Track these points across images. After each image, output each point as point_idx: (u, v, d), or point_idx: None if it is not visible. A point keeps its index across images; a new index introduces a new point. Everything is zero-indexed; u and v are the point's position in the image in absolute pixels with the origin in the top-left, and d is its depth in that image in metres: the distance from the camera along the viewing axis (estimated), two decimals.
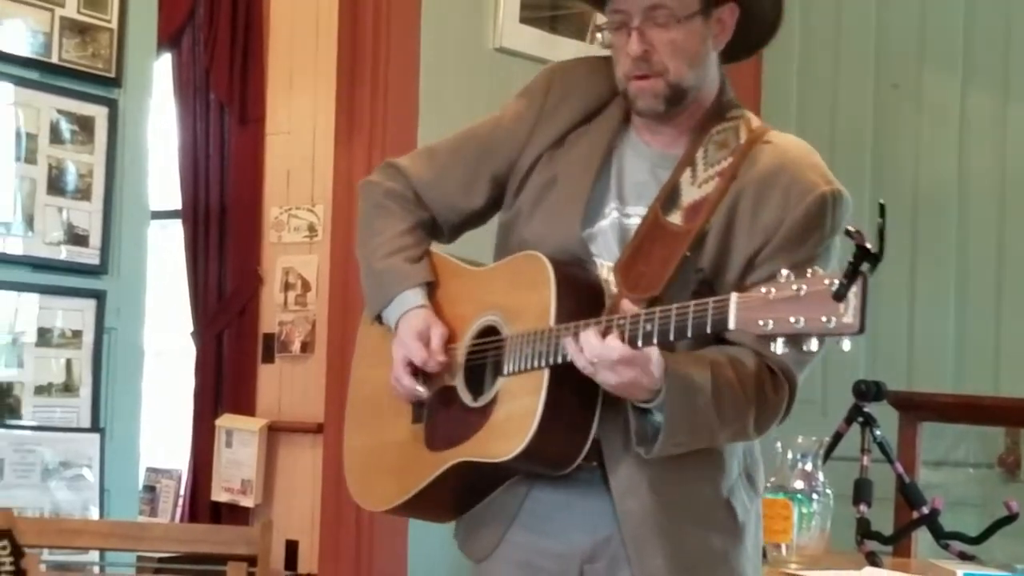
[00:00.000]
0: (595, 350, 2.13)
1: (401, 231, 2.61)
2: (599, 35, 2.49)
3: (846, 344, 1.93)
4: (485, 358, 2.47)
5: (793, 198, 2.35)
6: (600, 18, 2.51)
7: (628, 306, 2.16)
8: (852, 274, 1.89)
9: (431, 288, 2.59)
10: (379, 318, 2.62)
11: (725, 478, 2.46)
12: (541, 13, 4.84)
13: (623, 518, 2.40)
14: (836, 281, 1.90)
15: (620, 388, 2.19)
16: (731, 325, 2.02)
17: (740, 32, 2.44)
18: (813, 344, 1.96)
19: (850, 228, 1.97)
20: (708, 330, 2.06)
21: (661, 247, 2.38)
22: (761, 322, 1.98)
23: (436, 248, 2.68)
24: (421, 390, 2.52)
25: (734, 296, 2.02)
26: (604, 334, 2.14)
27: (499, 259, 2.58)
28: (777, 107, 5.04)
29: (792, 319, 1.94)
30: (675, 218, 2.40)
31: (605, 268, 2.44)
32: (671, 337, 2.09)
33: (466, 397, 2.49)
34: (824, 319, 1.92)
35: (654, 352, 2.12)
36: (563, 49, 4.73)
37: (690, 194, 2.41)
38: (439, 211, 2.65)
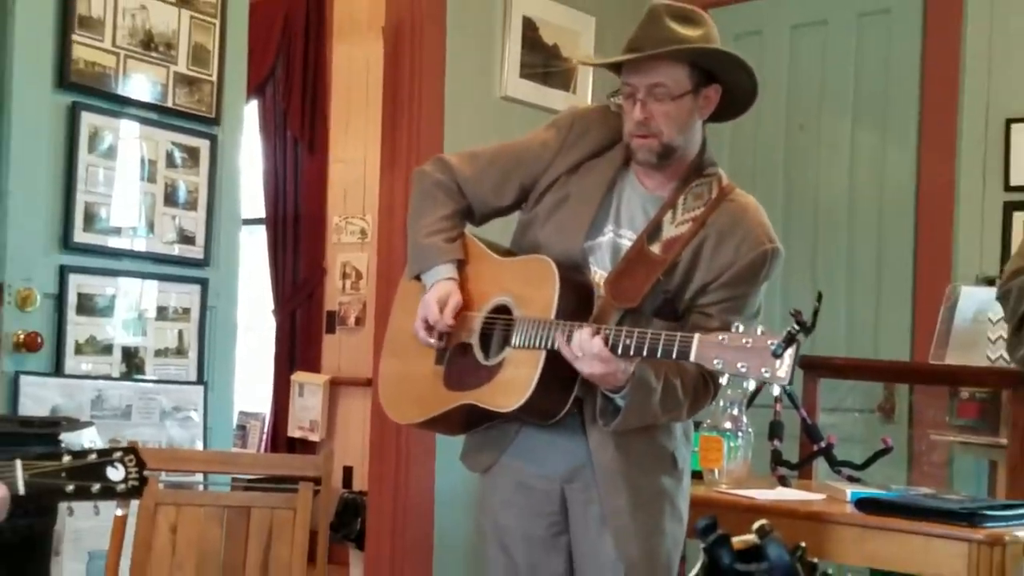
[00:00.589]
0: (584, 346, 2.20)
1: (443, 215, 2.61)
2: (613, 99, 2.51)
3: (775, 389, 2.02)
4: (497, 328, 2.50)
5: (744, 249, 2.42)
6: (595, 79, 2.49)
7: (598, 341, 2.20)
8: (789, 340, 1.97)
9: (461, 264, 2.59)
10: (418, 277, 2.62)
11: (671, 439, 2.54)
12: (535, 70, 4.82)
13: (597, 467, 2.46)
14: (776, 343, 1.98)
15: (593, 377, 2.27)
16: (692, 358, 2.11)
17: (725, 102, 2.48)
18: (750, 383, 2.06)
19: (792, 311, 2.02)
20: (673, 357, 2.14)
21: (642, 269, 2.43)
22: (715, 361, 2.07)
23: (469, 230, 2.69)
24: (433, 342, 2.54)
25: (697, 336, 2.11)
26: (593, 335, 2.20)
27: (515, 247, 2.63)
28: (713, 142, 5.01)
29: (739, 364, 2.03)
30: (656, 248, 2.45)
31: (598, 276, 2.48)
32: (643, 353, 2.17)
33: (479, 355, 2.52)
34: (763, 370, 2.00)
35: (629, 364, 2.22)
36: (552, 98, 4.72)
37: (669, 231, 2.46)
38: (474, 203, 2.65)
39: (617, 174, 2.53)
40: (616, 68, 2.47)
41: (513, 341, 2.43)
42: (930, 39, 4.58)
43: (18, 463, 1.74)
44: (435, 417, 2.59)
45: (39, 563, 2.72)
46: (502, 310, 2.49)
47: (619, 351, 2.18)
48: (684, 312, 2.42)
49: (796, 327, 1.96)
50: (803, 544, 1.32)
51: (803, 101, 4.94)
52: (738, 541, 1.29)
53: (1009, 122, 4.36)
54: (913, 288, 4.60)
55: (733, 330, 2.05)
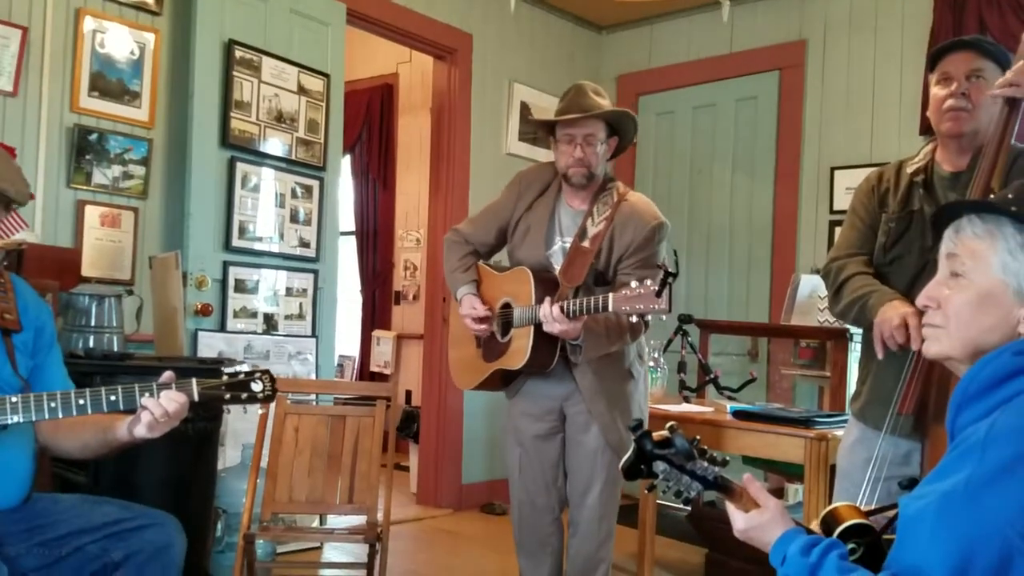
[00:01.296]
0: (547, 314, 2.25)
1: (459, 258, 2.67)
2: (553, 143, 2.52)
3: (663, 317, 2.03)
4: (506, 317, 2.52)
5: (639, 228, 2.42)
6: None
7: (555, 310, 2.26)
8: (663, 285, 2.02)
9: (477, 283, 2.63)
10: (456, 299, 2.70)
11: (626, 360, 2.52)
12: (527, 136, 4.81)
13: (581, 387, 2.47)
14: (656, 288, 2.03)
15: (560, 334, 2.28)
16: (610, 310, 2.14)
17: (618, 147, 2.54)
18: (648, 317, 2.04)
19: (660, 263, 2.16)
20: (600, 311, 2.18)
21: (580, 259, 2.44)
22: (623, 307, 2.11)
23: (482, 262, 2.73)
24: (483, 327, 2.56)
25: (611, 295, 2.14)
26: (551, 306, 2.25)
27: (510, 267, 2.59)
28: (643, 180, 5.02)
29: (638, 306, 2.07)
30: (586, 243, 2.45)
31: (557, 270, 2.47)
32: (584, 312, 2.21)
33: (499, 337, 2.55)
34: (652, 306, 2.05)
35: (579, 321, 2.25)
36: (538, 153, 4.70)
37: (592, 230, 2.46)
38: (477, 246, 2.68)
39: (555, 203, 2.53)
40: (551, 125, 2.49)
41: (514, 323, 2.45)
42: (783, 115, 4.58)
43: (193, 380, 1.74)
44: (482, 381, 2.60)
45: (211, 450, 2.73)
46: (507, 305, 2.51)
47: (569, 314, 2.22)
48: (612, 278, 2.43)
49: (665, 275, 1.99)
50: (698, 437, 1.32)
51: (700, 155, 4.93)
52: (656, 435, 1.30)
53: (833, 169, 4.37)
54: (771, 275, 4.58)
55: (632, 285, 2.07)
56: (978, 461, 1.00)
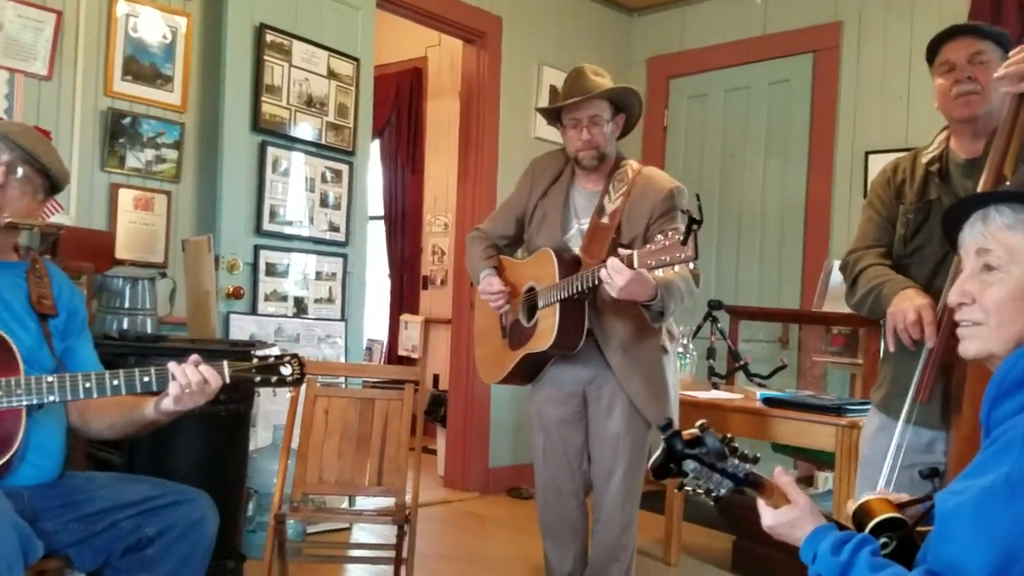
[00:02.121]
0: (615, 266, 2.09)
1: (480, 251, 2.68)
2: (561, 129, 2.51)
3: (691, 265, 1.97)
4: (530, 301, 2.49)
5: (658, 195, 2.41)
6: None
7: (613, 261, 2.10)
8: (688, 231, 1.93)
9: (498, 270, 2.63)
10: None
11: (659, 337, 2.47)
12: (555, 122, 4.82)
13: (614, 367, 2.43)
14: (680, 236, 1.96)
15: (627, 294, 2.13)
16: (636, 266, 2.06)
17: (626, 125, 2.53)
18: (675, 270, 2.00)
19: (684, 210, 2.07)
20: (628, 266, 2.06)
21: (600, 235, 2.43)
22: (649, 261, 2.03)
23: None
24: (502, 303, 2.55)
25: (635, 252, 2.07)
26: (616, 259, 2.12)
27: (529, 255, 2.58)
28: (673, 163, 4.97)
29: (663, 258, 2.00)
30: (604, 220, 2.44)
31: (578, 249, 2.46)
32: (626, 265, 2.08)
33: (524, 322, 2.52)
34: (679, 254, 1.97)
35: (650, 275, 2.11)
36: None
37: (609, 207, 2.45)
38: (497, 241, 2.69)
39: (569, 187, 2.52)
40: (557, 110, 2.48)
41: (539, 304, 2.42)
42: (816, 98, 4.51)
43: (225, 363, 1.75)
44: (510, 372, 2.55)
45: (243, 431, 2.75)
46: (531, 290, 2.49)
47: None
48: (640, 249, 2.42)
49: (690, 222, 1.92)
50: (729, 434, 1.30)
51: (732, 138, 4.87)
52: (686, 434, 1.28)
53: (867, 153, 4.30)
54: (803, 261, 4.52)
55: (657, 239, 2.02)
56: (1018, 457, 0.97)
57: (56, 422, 1.81)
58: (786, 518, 1.24)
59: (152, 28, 3.37)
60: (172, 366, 1.71)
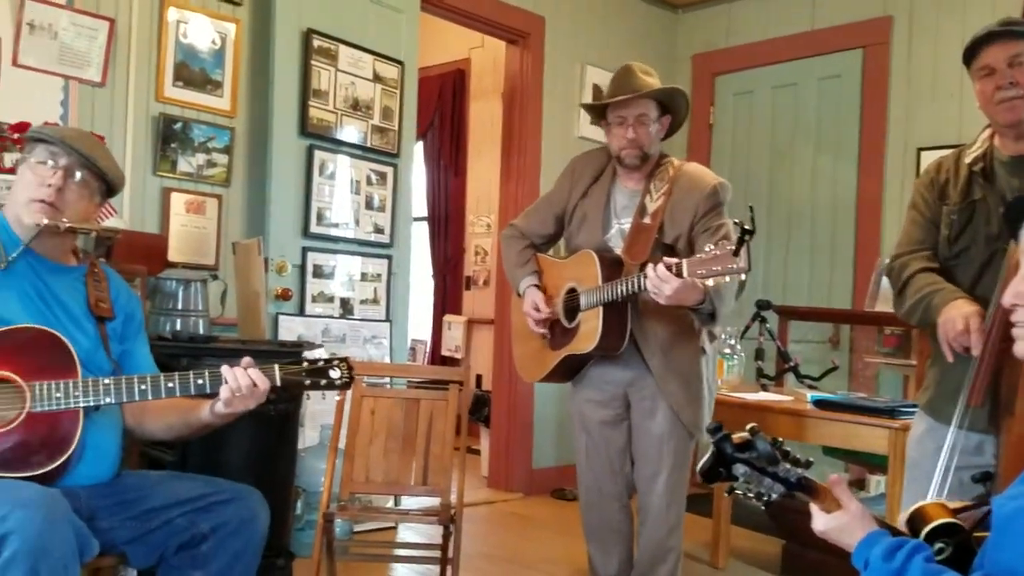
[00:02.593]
0: (657, 275, 2.08)
1: (517, 252, 2.67)
2: (605, 126, 2.49)
3: (743, 276, 1.94)
4: (571, 303, 2.48)
5: (700, 192, 2.38)
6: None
7: (660, 269, 2.09)
8: (740, 241, 1.91)
9: (538, 274, 2.62)
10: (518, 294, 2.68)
11: (700, 340, 2.46)
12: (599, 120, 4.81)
13: (653, 369, 2.43)
14: (732, 247, 1.93)
15: (675, 300, 2.12)
16: (685, 274, 2.03)
17: (671, 125, 2.51)
18: (727, 279, 1.97)
19: (737, 221, 1.97)
20: (676, 275, 2.04)
21: (642, 236, 2.40)
22: (699, 271, 2.01)
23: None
24: (543, 331, 2.57)
25: (684, 261, 2.05)
26: (664, 267, 2.10)
27: (568, 255, 2.57)
28: (720, 161, 4.92)
29: (715, 268, 1.97)
30: (646, 220, 2.41)
31: (619, 250, 2.44)
32: (674, 273, 2.05)
33: (565, 323, 2.51)
34: (731, 265, 1.95)
35: (699, 281, 2.06)
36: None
37: (651, 207, 2.42)
38: (533, 238, 2.68)
39: (610, 187, 2.50)
40: (603, 108, 2.46)
41: (582, 306, 2.41)
42: (866, 94, 4.45)
43: (276, 366, 1.77)
44: (551, 371, 2.56)
45: (292, 431, 2.79)
46: (571, 291, 2.47)
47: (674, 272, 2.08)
48: (683, 249, 2.36)
49: (742, 233, 1.89)
50: (781, 438, 1.28)
51: (780, 136, 4.81)
52: (736, 437, 1.26)
53: (919, 149, 4.23)
54: (854, 261, 4.45)
55: (706, 249, 1.99)
56: None
57: (112, 423, 1.85)
58: (838, 523, 1.23)
59: (202, 34, 3.44)
60: (224, 369, 1.74)
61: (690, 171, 2.44)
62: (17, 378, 1.66)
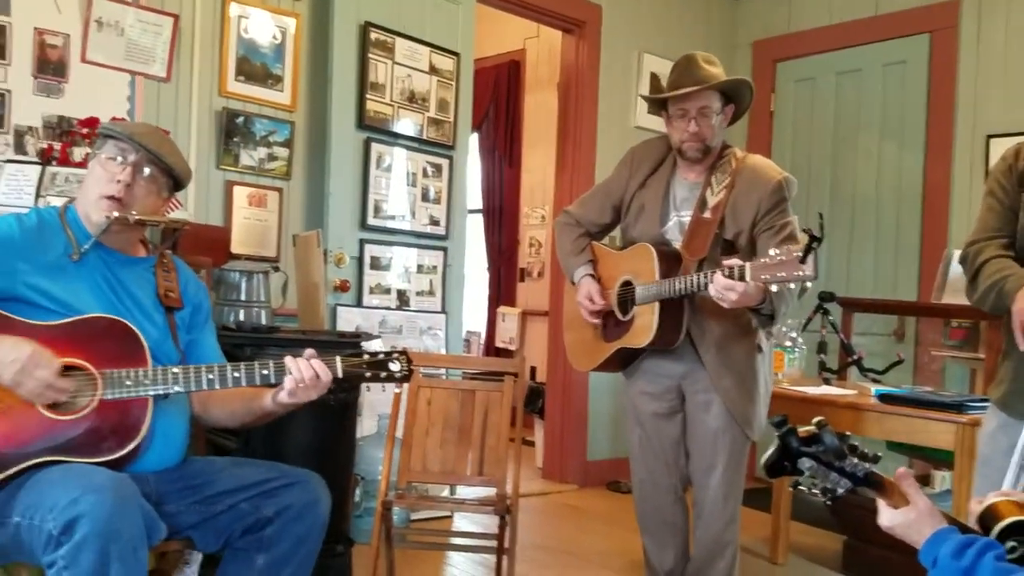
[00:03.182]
0: (722, 285, 2.07)
1: (572, 240, 2.64)
2: (665, 117, 2.45)
3: (808, 285, 1.90)
4: (626, 296, 2.46)
5: (764, 186, 2.33)
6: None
7: (723, 280, 2.07)
8: (808, 249, 1.88)
9: (593, 263, 2.60)
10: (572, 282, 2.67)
11: (756, 336, 2.43)
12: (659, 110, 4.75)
13: (707, 364, 2.40)
14: (799, 253, 1.89)
15: (736, 303, 2.09)
16: (748, 278, 2.02)
17: (734, 114, 2.46)
18: (792, 286, 1.93)
19: (806, 228, 1.92)
20: (739, 278, 2.03)
21: (702, 230, 2.36)
22: (763, 276, 1.98)
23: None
24: (596, 321, 2.54)
25: (747, 264, 2.02)
26: (723, 276, 2.08)
27: (624, 247, 2.54)
28: (781, 150, 4.84)
29: (779, 274, 1.94)
30: (707, 214, 2.37)
31: (677, 244, 2.40)
32: (735, 278, 2.04)
33: (619, 315, 2.49)
34: (797, 273, 1.91)
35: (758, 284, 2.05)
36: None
37: (712, 200, 2.38)
38: (588, 227, 2.65)
39: (669, 178, 2.45)
40: (662, 99, 2.40)
41: (637, 301, 2.39)
42: (933, 79, 4.34)
43: (338, 358, 1.80)
44: (603, 362, 2.55)
45: (350, 419, 2.83)
46: (627, 283, 2.45)
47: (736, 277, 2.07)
48: (744, 246, 2.33)
49: (810, 240, 1.86)
50: (848, 432, 1.26)
51: (844, 123, 4.71)
52: (802, 431, 1.24)
53: (989, 137, 4.12)
54: (920, 251, 4.35)
55: (771, 254, 1.95)
56: None
57: (180, 411, 1.89)
58: (906, 519, 1.20)
59: (263, 29, 3.50)
60: (288, 360, 1.77)
61: (753, 164, 2.39)
62: (89, 366, 1.70)
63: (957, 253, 3.78)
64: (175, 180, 1.92)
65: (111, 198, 1.80)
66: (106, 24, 3.12)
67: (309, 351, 1.80)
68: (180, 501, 1.80)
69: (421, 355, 3.32)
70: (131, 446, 1.71)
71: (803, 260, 1.87)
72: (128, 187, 1.81)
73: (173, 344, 1.88)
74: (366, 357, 1.82)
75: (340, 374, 1.79)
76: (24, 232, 1.76)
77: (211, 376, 1.76)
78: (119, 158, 1.82)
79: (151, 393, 1.74)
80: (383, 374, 1.81)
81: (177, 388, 1.75)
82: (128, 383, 1.72)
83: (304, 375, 1.76)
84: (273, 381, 1.78)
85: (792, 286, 1.97)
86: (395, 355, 1.83)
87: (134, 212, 1.81)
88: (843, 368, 3.48)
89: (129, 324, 1.76)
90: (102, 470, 1.62)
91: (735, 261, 2.05)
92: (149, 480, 1.77)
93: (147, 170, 1.84)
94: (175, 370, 1.75)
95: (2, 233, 1.74)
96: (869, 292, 4.44)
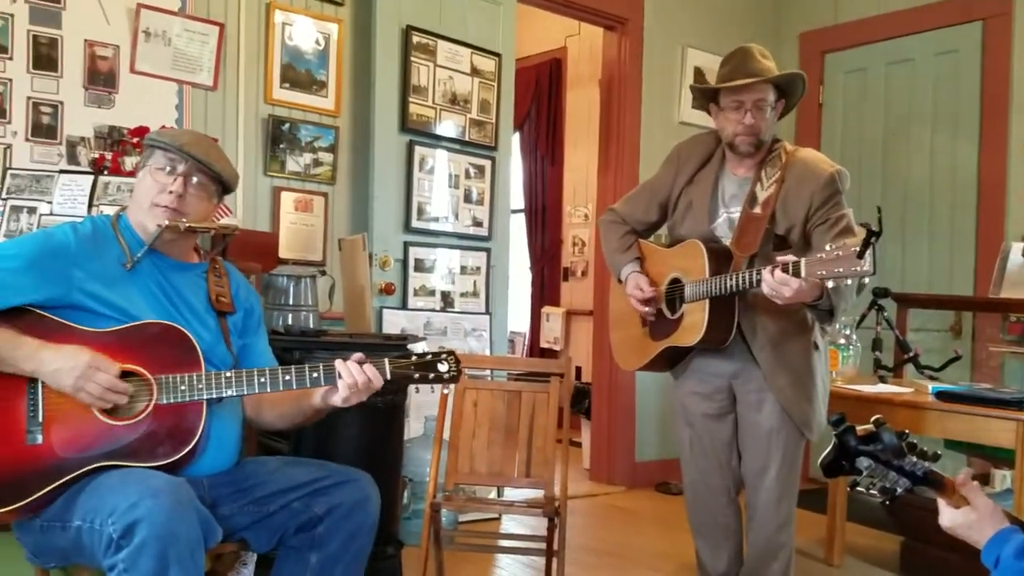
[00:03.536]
0: (774, 280, 2.06)
1: (618, 238, 2.61)
2: (716, 110, 2.42)
3: (867, 280, 1.86)
4: (675, 294, 2.44)
5: (816, 180, 2.29)
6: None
7: (779, 274, 2.04)
8: (866, 243, 1.85)
9: (640, 260, 2.57)
10: (618, 280, 2.64)
11: (812, 334, 2.38)
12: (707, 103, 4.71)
13: (761, 363, 2.36)
14: (857, 248, 1.87)
15: (790, 300, 2.07)
16: (802, 275, 2.00)
17: (784, 107, 2.42)
18: (849, 281, 1.89)
19: (864, 223, 1.92)
20: (793, 274, 2.01)
21: (752, 226, 2.33)
22: (819, 272, 1.96)
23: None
24: (648, 309, 2.50)
25: (802, 260, 2.00)
26: (779, 271, 2.05)
27: (671, 244, 2.51)
28: (830, 143, 4.77)
29: (837, 270, 1.92)
30: (757, 210, 2.34)
31: (727, 241, 2.38)
32: (789, 274, 2.02)
33: (668, 313, 2.47)
34: (855, 268, 1.89)
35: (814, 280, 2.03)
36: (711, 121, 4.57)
37: (761, 195, 2.35)
38: (634, 225, 2.62)
39: (718, 173, 2.42)
40: (713, 91, 2.38)
41: (686, 298, 2.36)
42: (987, 69, 4.25)
43: (386, 360, 1.82)
44: (650, 361, 2.52)
45: (398, 421, 2.84)
46: (675, 281, 2.43)
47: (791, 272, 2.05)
48: (797, 241, 2.30)
49: (868, 235, 1.84)
50: (907, 431, 1.23)
51: (895, 114, 4.63)
52: (860, 429, 1.22)
53: None
54: (976, 244, 4.27)
55: (827, 249, 1.93)
56: None
57: (233, 414, 1.92)
58: (967, 519, 1.18)
59: (306, 36, 3.55)
60: (339, 364, 1.79)
61: (804, 157, 2.36)
62: (145, 372, 1.74)
63: (1016, 246, 3.71)
64: (223, 185, 1.95)
65: (164, 207, 1.84)
66: (154, 34, 3.19)
67: (358, 355, 1.81)
68: (234, 503, 1.83)
69: (468, 356, 3.31)
70: (186, 450, 1.74)
71: (861, 255, 1.85)
72: (180, 197, 1.84)
73: (226, 348, 1.91)
74: (414, 359, 1.84)
75: (389, 376, 1.81)
76: (80, 240, 1.79)
77: (263, 380, 1.79)
78: (168, 168, 1.85)
79: (205, 397, 1.77)
80: (431, 375, 1.82)
81: (230, 392, 1.78)
82: (182, 388, 1.74)
83: (357, 379, 1.78)
84: (323, 384, 1.80)
85: (850, 281, 1.94)
86: (443, 356, 1.84)
87: (185, 220, 1.85)
88: (899, 365, 3.42)
89: (183, 329, 1.79)
90: (159, 474, 1.66)
91: (790, 257, 2.03)
92: (204, 483, 1.80)
93: (196, 179, 1.87)
94: (228, 374, 1.78)
95: (58, 241, 1.77)
96: (924, 287, 4.37)
